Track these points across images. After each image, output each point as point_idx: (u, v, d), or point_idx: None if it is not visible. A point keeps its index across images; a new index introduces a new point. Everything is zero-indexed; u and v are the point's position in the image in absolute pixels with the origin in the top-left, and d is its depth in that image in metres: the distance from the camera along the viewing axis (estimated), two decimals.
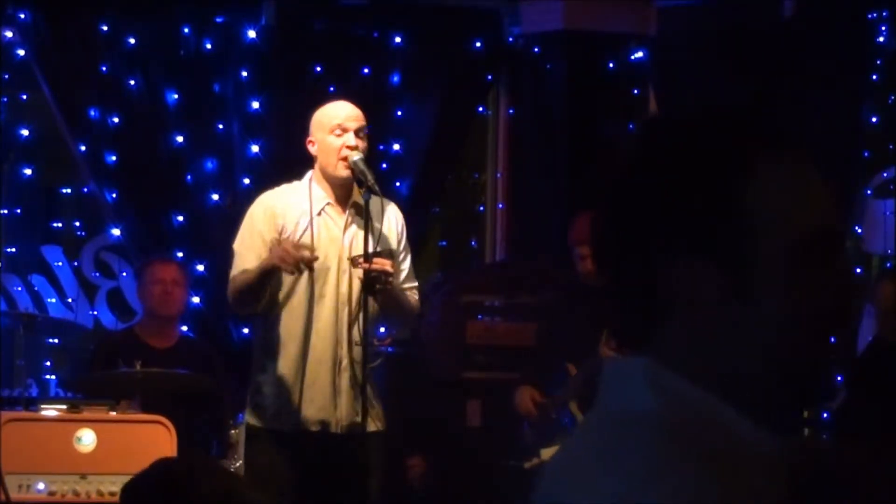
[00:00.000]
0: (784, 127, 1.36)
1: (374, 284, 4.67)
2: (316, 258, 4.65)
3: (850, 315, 1.34)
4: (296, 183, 4.91)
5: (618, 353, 1.32)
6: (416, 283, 5.02)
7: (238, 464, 5.70)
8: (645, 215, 1.31)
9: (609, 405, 1.32)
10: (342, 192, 4.84)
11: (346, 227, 4.83)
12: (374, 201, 4.78)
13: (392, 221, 4.92)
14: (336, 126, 4.79)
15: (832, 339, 1.33)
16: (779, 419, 1.33)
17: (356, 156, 4.74)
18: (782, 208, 1.30)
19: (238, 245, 4.85)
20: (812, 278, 1.30)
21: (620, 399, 1.30)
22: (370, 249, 4.68)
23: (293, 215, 4.82)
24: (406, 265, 4.96)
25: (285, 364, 4.80)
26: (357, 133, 4.79)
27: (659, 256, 1.30)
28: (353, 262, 4.73)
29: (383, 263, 4.66)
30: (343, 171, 4.77)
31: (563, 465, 1.30)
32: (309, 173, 4.89)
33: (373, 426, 4.81)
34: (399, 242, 4.92)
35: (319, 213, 4.82)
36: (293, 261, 4.58)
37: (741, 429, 1.29)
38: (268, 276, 4.70)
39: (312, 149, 4.85)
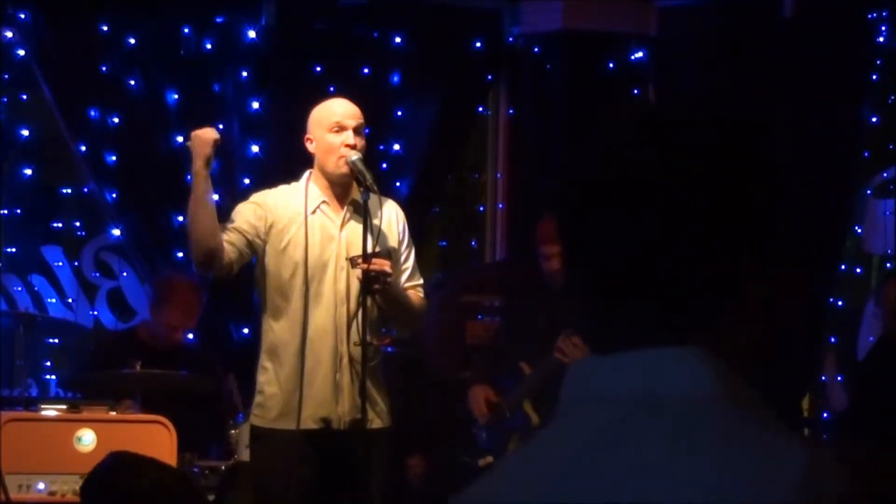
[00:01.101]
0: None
1: (373, 284, 4.67)
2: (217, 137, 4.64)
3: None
4: (293, 183, 4.91)
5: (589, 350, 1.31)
6: (420, 281, 5.01)
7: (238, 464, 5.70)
8: (685, 222, 1.31)
9: (684, 395, 1.28)
10: (340, 191, 4.83)
11: (343, 225, 4.83)
12: (373, 199, 4.78)
13: (392, 219, 4.92)
14: (335, 124, 4.79)
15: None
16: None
17: (355, 155, 4.74)
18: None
19: (226, 226, 4.83)
20: (805, 281, 1.32)
21: (697, 388, 1.28)
22: (369, 249, 4.68)
23: (287, 213, 4.81)
24: (409, 263, 4.96)
25: (285, 363, 4.80)
26: (356, 131, 4.79)
27: (709, 257, 1.30)
28: (352, 262, 4.73)
29: (381, 264, 4.66)
30: (342, 169, 4.77)
31: (674, 458, 1.24)
32: (307, 172, 4.89)
33: (377, 423, 4.81)
34: (400, 241, 4.92)
35: (314, 212, 4.81)
36: (202, 142, 4.58)
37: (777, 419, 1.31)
38: (198, 184, 4.64)
39: (311, 146, 4.85)
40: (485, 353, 6.39)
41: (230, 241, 4.75)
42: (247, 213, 4.83)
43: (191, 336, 6.65)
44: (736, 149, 1.33)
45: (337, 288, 4.78)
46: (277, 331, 4.83)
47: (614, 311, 1.34)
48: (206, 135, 4.65)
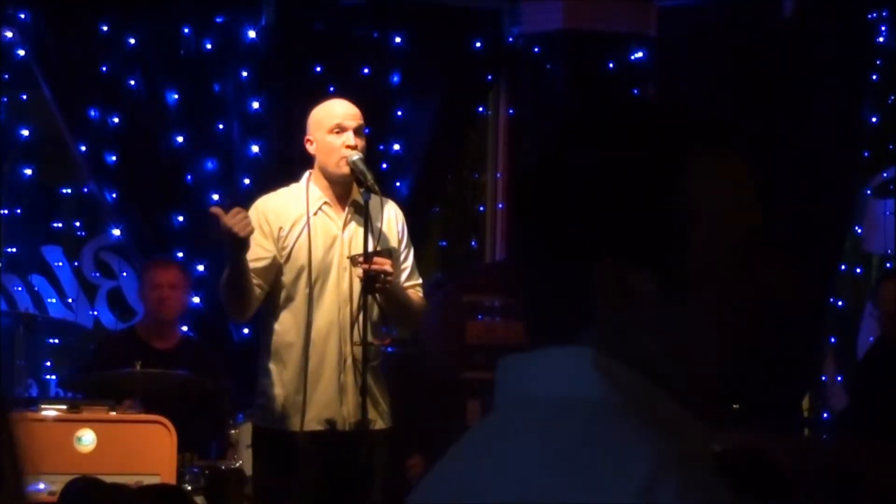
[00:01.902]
0: (723, 127, 1.37)
1: (374, 284, 4.67)
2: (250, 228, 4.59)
3: (777, 316, 1.36)
4: (293, 185, 4.90)
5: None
6: (419, 281, 5.01)
7: (238, 464, 5.71)
8: (579, 213, 1.31)
9: (566, 395, 1.29)
10: (341, 191, 4.83)
11: (345, 225, 4.83)
12: (374, 200, 4.78)
13: (392, 220, 4.92)
14: (335, 125, 4.79)
15: (764, 339, 1.34)
16: (710, 413, 1.34)
17: (355, 155, 4.74)
18: (714, 210, 1.31)
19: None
20: (741, 278, 1.31)
21: (578, 389, 1.29)
22: (370, 249, 4.68)
23: (289, 216, 4.81)
24: (408, 263, 4.96)
25: (289, 364, 4.79)
26: (356, 131, 4.79)
27: (594, 253, 1.30)
28: (353, 261, 4.73)
29: (382, 263, 4.66)
30: (343, 169, 4.77)
31: (540, 459, 1.26)
32: (307, 173, 4.88)
33: (378, 424, 4.81)
34: (400, 241, 4.92)
35: (316, 213, 4.81)
36: (234, 226, 4.53)
37: (685, 419, 1.30)
38: (237, 263, 4.63)
39: (311, 148, 4.84)
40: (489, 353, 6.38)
41: (259, 285, 4.75)
42: (258, 239, 4.77)
43: (186, 328, 6.66)
44: (621, 155, 1.32)
45: (340, 289, 4.79)
46: (281, 332, 4.82)
47: (525, 307, 1.37)
48: (242, 229, 4.55)
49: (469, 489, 1.30)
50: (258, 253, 4.74)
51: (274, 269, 4.79)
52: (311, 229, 4.78)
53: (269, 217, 4.81)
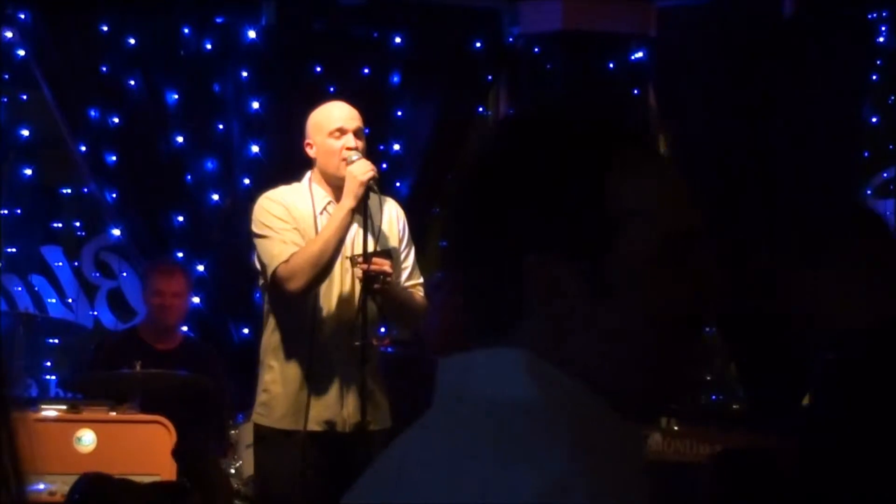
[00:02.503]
0: (646, 131, 1.38)
1: (373, 284, 4.67)
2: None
3: (709, 317, 1.35)
4: (295, 184, 4.90)
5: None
6: (420, 280, 5.01)
7: (238, 464, 5.71)
8: (509, 212, 1.33)
9: (489, 396, 1.30)
10: (341, 193, 4.83)
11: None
12: (374, 200, 4.78)
13: (393, 219, 4.92)
14: (335, 129, 4.78)
15: (697, 341, 1.34)
16: (642, 414, 1.34)
17: (355, 156, 4.74)
18: (640, 209, 1.31)
19: (268, 231, 4.75)
20: (670, 278, 1.31)
21: (501, 389, 1.30)
22: (370, 249, 4.68)
23: (297, 214, 4.82)
24: (409, 262, 4.96)
25: (292, 363, 4.79)
26: (356, 133, 4.79)
27: (522, 252, 1.31)
28: (352, 261, 4.73)
29: (381, 264, 4.67)
30: (343, 171, 4.76)
31: (451, 459, 1.26)
32: (307, 174, 4.88)
33: (377, 425, 4.81)
34: (400, 240, 4.92)
35: (322, 212, 4.82)
36: (357, 182, 4.62)
37: (614, 422, 1.31)
38: (345, 229, 4.68)
39: (311, 151, 4.84)
40: None
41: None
42: (287, 218, 4.78)
43: (186, 328, 6.66)
44: (535, 155, 1.34)
45: (343, 289, 4.79)
46: (284, 331, 4.82)
47: (462, 306, 1.38)
48: (363, 175, 4.65)
49: (382, 490, 1.31)
50: (296, 239, 4.73)
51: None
52: (318, 229, 4.77)
53: (290, 210, 4.81)
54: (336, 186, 4.82)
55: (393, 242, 4.87)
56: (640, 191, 1.32)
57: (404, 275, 4.92)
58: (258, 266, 4.83)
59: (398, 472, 1.30)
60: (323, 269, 4.69)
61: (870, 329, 2.82)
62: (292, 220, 4.77)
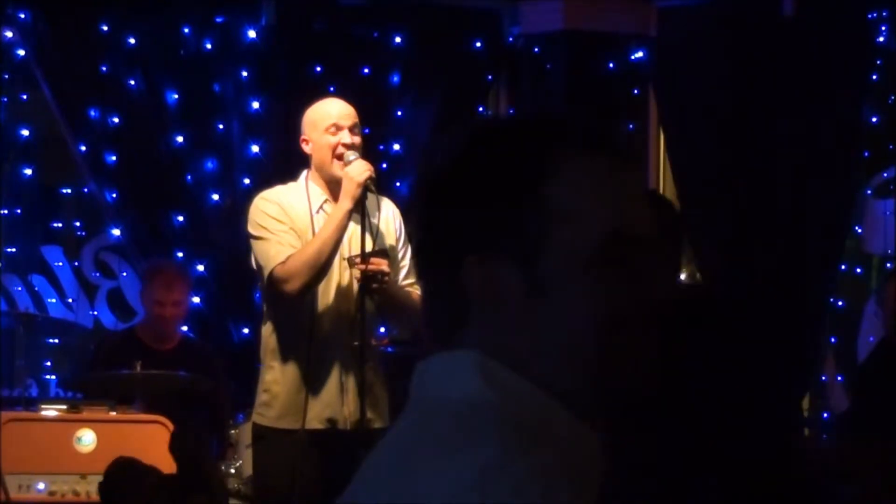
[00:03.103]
0: (598, 131, 1.36)
1: (371, 284, 4.67)
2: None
3: (649, 324, 1.34)
4: (291, 184, 4.89)
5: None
6: None
7: (238, 464, 5.71)
8: (450, 213, 1.35)
9: (439, 396, 1.32)
10: (339, 190, 4.83)
11: None
12: (371, 199, 4.78)
13: (390, 218, 4.92)
14: (331, 125, 4.78)
15: (642, 345, 1.34)
16: (589, 414, 1.34)
17: (352, 156, 4.74)
18: (578, 210, 1.32)
19: (264, 233, 4.76)
20: (607, 283, 1.31)
21: (451, 390, 1.31)
22: (367, 249, 4.68)
23: (295, 213, 4.81)
24: (407, 261, 4.95)
25: (292, 362, 4.80)
26: (352, 130, 4.79)
27: (462, 254, 1.32)
28: (350, 262, 4.73)
29: (379, 263, 4.67)
30: (339, 172, 4.76)
31: (396, 459, 1.29)
32: (304, 173, 4.88)
33: (378, 423, 4.81)
34: (398, 239, 4.92)
35: (318, 211, 4.81)
36: (354, 183, 4.62)
37: (565, 420, 1.31)
38: (343, 231, 4.69)
39: (307, 148, 4.84)
40: None
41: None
42: (284, 219, 4.78)
43: (186, 328, 6.66)
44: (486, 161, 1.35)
45: (341, 288, 4.79)
46: (283, 331, 4.82)
47: (422, 308, 1.40)
48: (360, 175, 4.65)
49: (350, 492, 1.35)
50: (292, 240, 4.74)
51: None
52: (314, 228, 4.77)
53: (286, 210, 4.81)
54: (332, 184, 4.81)
55: (390, 241, 4.87)
56: (578, 192, 1.32)
57: (402, 273, 4.92)
58: (255, 267, 4.83)
59: (359, 474, 1.34)
60: (320, 271, 4.69)
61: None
62: (288, 220, 4.77)
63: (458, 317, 1.34)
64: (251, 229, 4.80)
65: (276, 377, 4.82)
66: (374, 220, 4.81)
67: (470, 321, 1.34)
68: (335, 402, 4.76)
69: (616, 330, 1.31)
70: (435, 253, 1.36)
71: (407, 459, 1.27)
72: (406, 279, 4.93)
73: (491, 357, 1.32)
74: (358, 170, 4.67)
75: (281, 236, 4.73)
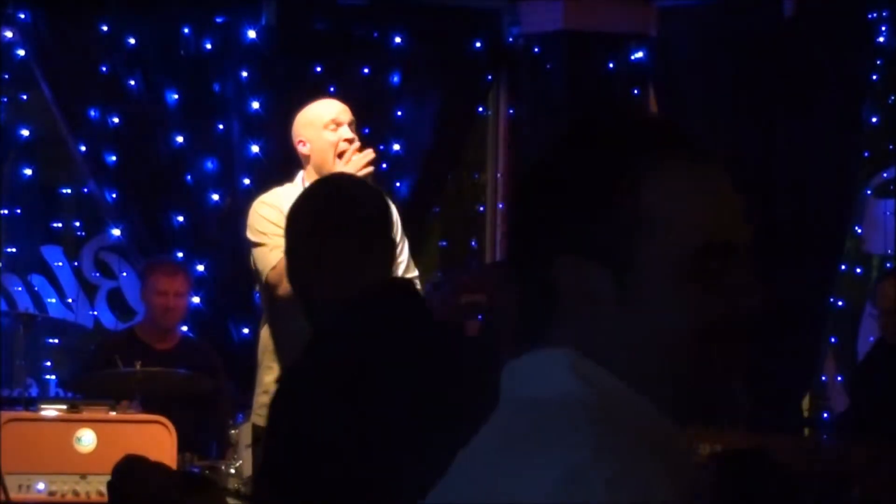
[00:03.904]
0: (694, 138, 1.36)
1: None
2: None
3: (744, 332, 1.33)
4: (288, 185, 4.89)
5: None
6: (416, 273, 5.01)
7: (238, 464, 5.70)
8: (545, 213, 1.35)
9: (533, 394, 1.32)
10: None
11: None
12: None
13: None
14: (330, 122, 4.78)
15: (735, 355, 1.33)
16: (680, 419, 1.34)
17: (364, 171, 4.74)
18: (673, 217, 1.31)
19: (263, 238, 4.76)
20: (700, 291, 1.31)
21: (545, 387, 1.31)
22: None
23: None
24: (404, 257, 4.96)
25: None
26: (350, 126, 4.79)
27: (555, 254, 1.33)
28: None
29: None
30: (340, 166, 4.76)
31: (489, 457, 1.28)
32: (300, 173, 4.87)
33: None
34: (395, 234, 4.93)
35: None
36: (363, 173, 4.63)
37: (658, 419, 1.31)
38: None
39: (304, 149, 4.81)
40: None
41: None
42: (278, 221, 4.78)
43: (186, 328, 6.66)
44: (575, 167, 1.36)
45: None
46: (282, 331, 4.82)
47: (516, 308, 1.40)
48: (360, 171, 4.67)
49: (437, 492, 1.33)
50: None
51: None
52: None
53: (284, 213, 4.79)
54: None
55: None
56: (674, 200, 1.32)
57: (400, 269, 4.92)
58: (253, 270, 4.83)
59: (450, 472, 1.33)
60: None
61: (336, 301, 2.84)
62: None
63: (548, 316, 1.34)
64: (250, 235, 4.80)
65: (275, 378, 4.82)
66: None
67: (560, 322, 1.34)
68: None
69: (709, 340, 1.31)
70: (528, 252, 1.36)
71: (500, 457, 1.26)
72: (405, 274, 4.94)
73: (586, 357, 1.32)
74: (357, 165, 4.67)
75: (277, 241, 4.73)
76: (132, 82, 6.89)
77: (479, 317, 6.98)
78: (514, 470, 1.23)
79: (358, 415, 2.68)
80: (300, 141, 4.83)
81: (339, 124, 4.78)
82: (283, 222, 4.74)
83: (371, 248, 2.93)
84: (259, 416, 4.89)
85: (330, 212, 3.05)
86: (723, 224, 1.33)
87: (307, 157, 4.82)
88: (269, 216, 4.79)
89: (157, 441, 5.18)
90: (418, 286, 5.00)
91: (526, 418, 1.29)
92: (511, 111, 7.67)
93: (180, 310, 6.35)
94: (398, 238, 4.93)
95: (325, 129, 4.77)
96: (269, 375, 4.85)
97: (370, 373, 2.71)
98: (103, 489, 5.11)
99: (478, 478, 1.27)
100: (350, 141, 4.75)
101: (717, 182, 1.35)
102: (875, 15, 6.86)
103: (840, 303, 7.06)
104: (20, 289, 7.20)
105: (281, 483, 2.77)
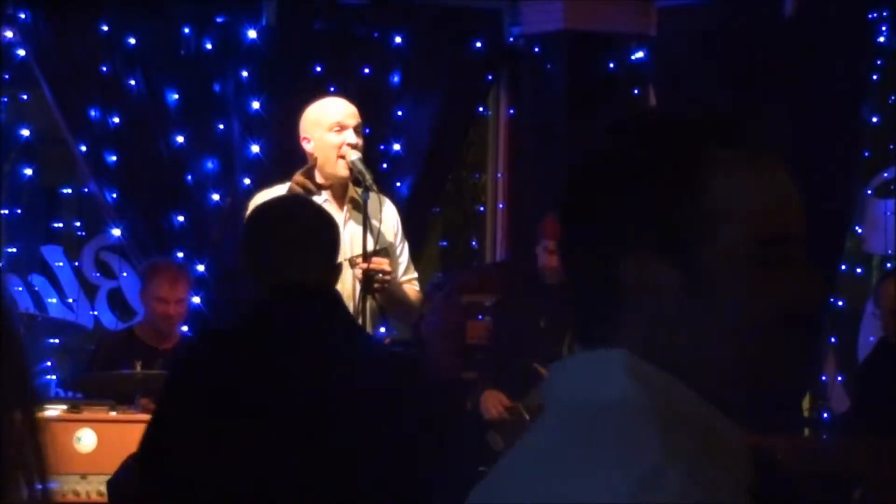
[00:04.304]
0: (754, 129, 1.35)
1: (373, 284, 4.67)
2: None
3: (811, 323, 1.33)
4: (288, 184, 4.89)
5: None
6: (415, 275, 5.02)
7: None
8: (605, 208, 1.34)
9: (588, 397, 1.30)
10: (339, 190, 4.84)
11: (343, 224, 4.83)
12: (373, 199, 4.78)
13: (389, 216, 4.93)
14: (335, 123, 4.77)
15: (801, 347, 1.33)
16: (745, 416, 1.33)
17: (354, 155, 4.74)
18: (736, 208, 1.31)
19: None
20: (763, 281, 1.30)
21: (601, 391, 1.30)
22: (369, 248, 4.68)
23: None
24: (404, 258, 4.97)
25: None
26: (355, 130, 4.78)
27: (617, 249, 1.32)
28: (351, 262, 4.73)
29: (380, 263, 4.67)
30: (342, 171, 4.76)
31: (543, 460, 1.27)
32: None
33: None
34: (396, 235, 4.93)
35: None
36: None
37: (717, 421, 1.30)
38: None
39: (308, 146, 4.82)
40: (487, 355, 6.37)
41: None
42: None
43: (186, 328, 6.66)
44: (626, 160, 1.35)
45: (341, 287, 4.79)
46: None
47: (569, 302, 1.38)
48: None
49: (488, 490, 1.32)
50: None
51: None
52: None
53: None
54: (333, 185, 4.81)
55: (391, 238, 4.89)
56: (735, 191, 1.31)
57: (400, 270, 4.93)
58: None
59: (503, 473, 1.31)
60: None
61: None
62: None
63: (608, 313, 1.33)
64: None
65: None
66: (376, 222, 4.81)
67: (620, 318, 1.33)
68: None
69: (773, 332, 1.30)
70: (588, 248, 1.35)
71: (556, 462, 1.25)
72: (404, 275, 4.95)
73: (640, 356, 1.30)
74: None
75: None
76: (132, 82, 6.89)
77: (479, 316, 6.98)
78: (577, 478, 1.22)
79: (206, 409, 2.79)
80: (305, 138, 4.83)
81: (343, 127, 4.77)
82: None
83: (292, 260, 3.06)
84: None
85: (262, 222, 3.22)
86: (785, 215, 1.33)
87: (311, 156, 4.82)
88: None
89: None
90: (417, 287, 5.01)
91: (584, 423, 1.27)
92: (511, 111, 7.67)
93: (180, 315, 6.34)
94: (398, 241, 4.94)
95: (329, 131, 4.77)
96: None
97: (233, 374, 2.85)
98: (103, 489, 5.13)
99: (533, 482, 1.25)
100: (353, 146, 4.75)
101: (775, 172, 1.34)
102: (875, 15, 6.86)
103: (840, 303, 7.06)
104: (20, 289, 7.20)
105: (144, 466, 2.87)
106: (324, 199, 4.83)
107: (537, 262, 6.15)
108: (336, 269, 3.29)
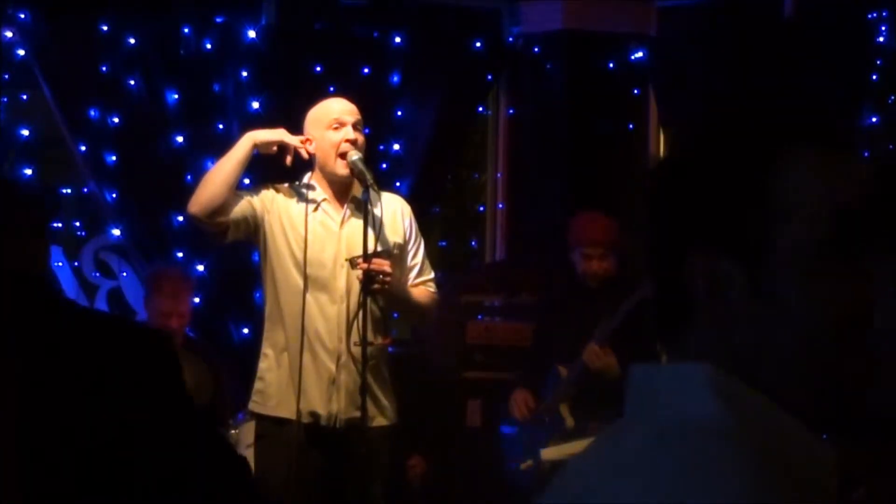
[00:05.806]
0: (826, 124, 1.34)
1: (373, 284, 4.68)
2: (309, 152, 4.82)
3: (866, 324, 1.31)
4: (296, 183, 4.94)
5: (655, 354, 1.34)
6: (431, 276, 5.02)
7: None
8: (675, 207, 1.33)
9: (673, 414, 1.27)
10: (340, 189, 4.86)
11: (343, 222, 4.84)
12: (372, 198, 4.80)
13: (398, 215, 4.93)
14: (334, 121, 4.81)
15: (869, 346, 1.30)
16: (821, 423, 1.31)
17: (355, 155, 4.75)
18: (806, 206, 1.29)
19: (254, 190, 5.01)
20: (834, 278, 1.29)
21: (686, 408, 1.27)
22: (370, 249, 4.69)
23: (291, 211, 4.84)
24: (419, 259, 4.97)
25: (285, 353, 4.83)
26: (354, 127, 4.81)
27: (686, 248, 1.31)
28: (351, 263, 4.74)
29: (380, 264, 4.67)
30: (342, 170, 4.78)
31: (625, 473, 1.24)
32: (308, 174, 4.92)
33: (379, 420, 4.82)
34: (407, 237, 4.94)
35: (316, 209, 4.83)
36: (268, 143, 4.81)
37: (803, 437, 1.29)
38: (241, 155, 4.88)
39: (310, 146, 4.86)
40: (529, 357, 6.34)
41: (239, 206, 4.85)
42: (265, 193, 4.89)
43: (191, 335, 6.66)
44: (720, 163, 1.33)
45: (336, 286, 4.80)
46: (278, 326, 4.85)
47: (654, 318, 1.38)
48: (274, 136, 4.86)
49: (567, 493, 1.30)
50: (255, 197, 4.88)
51: (251, 220, 4.89)
52: (308, 225, 4.80)
53: (277, 200, 4.87)
54: (334, 182, 4.83)
55: (396, 239, 4.89)
56: (806, 187, 1.30)
57: (413, 272, 4.94)
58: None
59: (587, 477, 1.28)
60: (208, 191, 4.88)
61: None
62: (267, 204, 4.86)
63: (682, 314, 1.32)
64: None
65: (272, 364, 4.88)
66: (379, 220, 4.82)
67: (694, 319, 1.31)
68: (322, 397, 4.78)
69: (844, 330, 1.29)
70: (660, 248, 1.34)
71: (642, 477, 1.22)
72: (419, 276, 4.95)
73: (719, 363, 1.28)
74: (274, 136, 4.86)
75: (253, 195, 4.84)
76: (132, 82, 6.89)
77: (479, 317, 6.98)
78: (680, 494, 1.19)
79: None
80: (308, 140, 4.87)
81: (342, 124, 4.80)
82: (266, 198, 4.85)
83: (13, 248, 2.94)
84: (255, 402, 4.94)
85: None
86: (852, 212, 1.31)
87: (313, 155, 4.85)
88: (261, 190, 4.90)
89: None
90: (432, 289, 5.02)
91: (671, 442, 1.24)
92: (511, 111, 7.67)
93: (183, 327, 6.35)
94: (412, 242, 4.95)
95: (328, 129, 4.80)
96: (264, 362, 4.90)
97: None
98: None
99: (615, 492, 1.23)
100: (352, 142, 4.77)
101: (848, 168, 1.33)
102: (875, 15, 6.86)
103: None
104: None
105: None
106: (322, 198, 4.84)
107: (576, 269, 6.06)
108: None
